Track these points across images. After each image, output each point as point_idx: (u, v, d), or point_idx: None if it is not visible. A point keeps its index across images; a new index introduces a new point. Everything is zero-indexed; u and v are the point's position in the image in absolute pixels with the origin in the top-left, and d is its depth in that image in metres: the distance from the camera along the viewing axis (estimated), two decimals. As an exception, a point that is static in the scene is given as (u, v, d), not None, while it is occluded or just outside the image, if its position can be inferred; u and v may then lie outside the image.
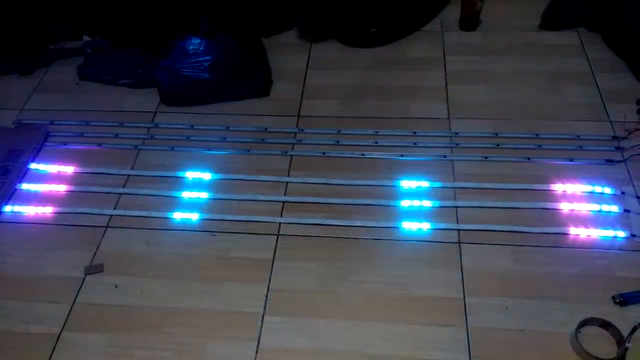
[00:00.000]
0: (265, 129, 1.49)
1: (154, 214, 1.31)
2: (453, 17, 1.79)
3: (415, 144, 1.42)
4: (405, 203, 1.28)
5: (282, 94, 1.60)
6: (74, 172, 1.42)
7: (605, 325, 1.05)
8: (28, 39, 1.76)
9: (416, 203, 1.28)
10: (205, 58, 1.49)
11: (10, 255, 1.26)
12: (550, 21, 1.72)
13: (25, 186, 1.39)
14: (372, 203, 1.29)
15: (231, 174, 1.38)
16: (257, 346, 1.07)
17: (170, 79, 1.52)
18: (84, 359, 1.08)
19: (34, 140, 1.48)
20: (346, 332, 1.08)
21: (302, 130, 1.48)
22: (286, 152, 1.42)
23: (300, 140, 1.45)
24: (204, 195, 1.33)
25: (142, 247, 1.25)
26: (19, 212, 1.33)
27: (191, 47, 1.49)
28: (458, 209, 1.27)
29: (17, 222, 1.32)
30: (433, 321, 1.09)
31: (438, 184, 1.32)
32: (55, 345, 1.10)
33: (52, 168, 1.43)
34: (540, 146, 1.38)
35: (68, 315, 1.14)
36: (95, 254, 1.24)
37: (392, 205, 1.28)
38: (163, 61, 1.51)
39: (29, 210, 1.33)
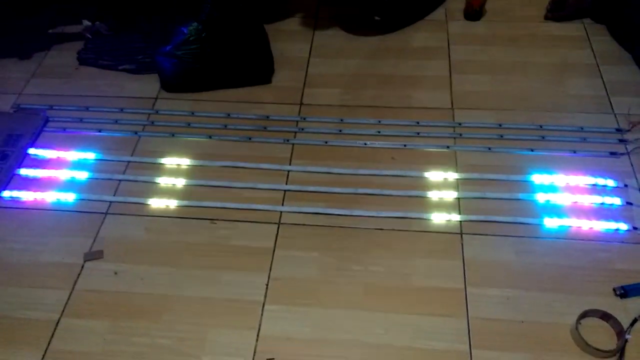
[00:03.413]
0: (267, 116, 1.48)
1: (154, 200, 1.30)
2: (457, 7, 1.77)
3: (418, 133, 1.41)
4: (407, 193, 1.28)
5: (284, 82, 1.58)
6: (73, 158, 1.40)
7: (606, 317, 1.05)
8: (27, 22, 1.74)
9: (418, 193, 1.27)
10: (207, 44, 1.47)
11: (9, 241, 1.25)
12: (556, 12, 1.70)
13: (24, 171, 1.37)
14: (374, 192, 1.28)
15: (232, 161, 1.37)
16: (258, 334, 1.07)
17: (171, 65, 1.50)
18: (83, 345, 1.07)
19: (33, 125, 1.46)
20: (346, 322, 1.08)
21: (304, 118, 1.47)
22: (288, 141, 1.41)
23: (303, 129, 1.44)
24: (204, 182, 1.32)
25: (142, 234, 1.24)
26: (17, 198, 1.32)
27: (193, 33, 1.47)
28: (461, 199, 1.26)
29: (16, 208, 1.31)
30: (434, 311, 1.09)
31: (441, 174, 1.31)
32: (54, 331, 1.10)
33: (51, 153, 1.41)
34: (543, 137, 1.37)
35: (67, 301, 1.14)
36: (94, 241, 1.23)
37: (395, 195, 1.28)
38: (164, 47, 1.49)
39: (28, 196, 1.32)
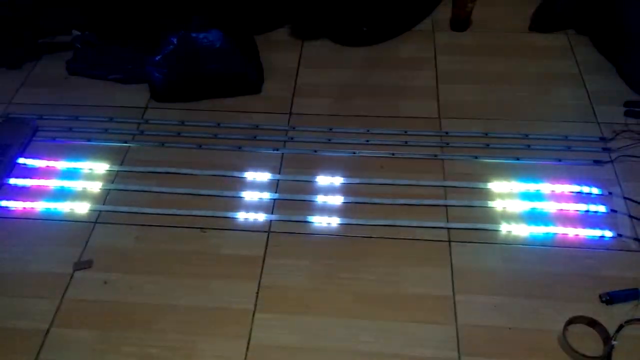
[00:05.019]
0: (257, 126, 1.49)
1: (144, 210, 1.30)
2: (444, 18, 1.80)
3: (406, 142, 1.42)
4: (395, 201, 1.29)
5: (273, 92, 1.59)
6: (62, 167, 1.40)
7: (592, 323, 1.06)
8: (17, 32, 1.74)
9: (406, 202, 1.29)
10: (197, 54, 1.48)
11: (-2, 251, 1.25)
12: (540, 23, 1.73)
13: (13, 181, 1.37)
14: (363, 201, 1.29)
15: (222, 170, 1.37)
16: (248, 343, 1.07)
17: (161, 75, 1.51)
18: (72, 355, 1.07)
19: (22, 134, 1.46)
20: (337, 330, 1.09)
21: (294, 128, 1.48)
22: (277, 150, 1.42)
23: (292, 138, 1.45)
24: (194, 191, 1.33)
25: (132, 243, 1.24)
26: (6, 207, 1.32)
27: (183, 43, 1.48)
28: (448, 207, 1.28)
29: (5, 217, 1.30)
30: (423, 319, 1.10)
31: (428, 183, 1.32)
32: (43, 341, 1.09)
33: (40, 163, 1.41)
34: (529, 146, 1.39)
35: (56, 311, 1.13)
36: (84, 250, 1.23)
37: (383, 203, 1.29)
38: (154, 56, 1.50)
39: (17, 205, 1.32)
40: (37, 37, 1.79)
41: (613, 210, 1.25)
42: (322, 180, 1.34)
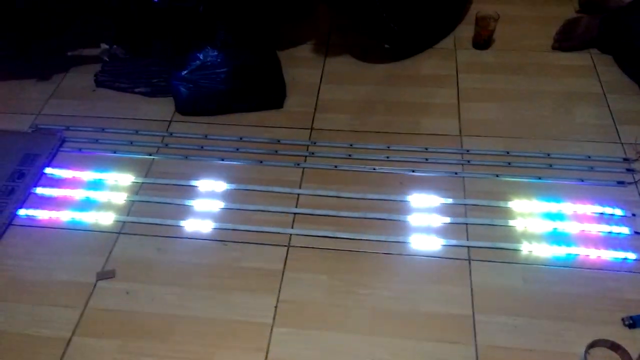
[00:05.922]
0: (278, 140, 1.50)
1: (167, 221, 1.32)
2: (466, 36, 1.80)
3: (426, 159, 1.43)
4: (415, 218, 1.29)
5: (295, 107, 1.61)
6: (88, 178, 1.43)
7: (615, 347, 1.05)
8: (46, 45, 1.79)
9: (427, 219, 1.29)
10: (222, 69, 1.52)
11: (23, 259, 1.27)
12: (563, 42, 1.73)
13: (39, 190, 1.40)
14: (383, 217, 1.30)
15: (243, 184, 1.39)
16: (266, 357, 1.08)
17: (186, 89, 1.54)
18: (93, 364, 1.09)
19: (50, 145, 1.50)
20: (354, 346, 1.09)
21: (315, 143, 1.49)
22: (298, 164, 1.44)
23: (313, 153, 1.47)
24: (216, 204, 1.35)
25: (154, 255, 1.26)
26: (33, 216, 1.35)
27: (208, 58, 1.51)
28: (468, 225, 1.28)
29: (31, 226, 1.33)
30: (442, 338, 1.09)
31: (449, 201, 1.32)
32: (65, 349, 1.11)
33: (66, 173, 1.44)
34: (551, 166, 1.39)
35: (79, 320, 1.15)
36: (107, 260, 1.25)
37: (403, 220, 1.29)
38: (180, 71, 1.53)
39: (43, 215, 1.35)
40: (66, 49, 1.84)
41: (637, 232, 1.24)
42: (342, 195, 1.35)
